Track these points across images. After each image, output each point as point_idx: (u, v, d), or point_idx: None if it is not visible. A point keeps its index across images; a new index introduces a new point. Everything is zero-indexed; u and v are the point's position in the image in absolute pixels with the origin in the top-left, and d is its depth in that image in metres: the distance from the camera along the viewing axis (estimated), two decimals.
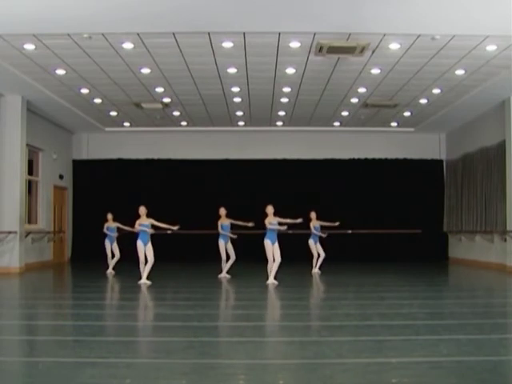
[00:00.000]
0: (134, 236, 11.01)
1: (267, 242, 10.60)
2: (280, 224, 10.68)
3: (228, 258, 12.03)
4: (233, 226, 12.20)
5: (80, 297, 9.39)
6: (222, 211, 12.15)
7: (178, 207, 16.63)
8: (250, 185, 17.04)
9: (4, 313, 7.52)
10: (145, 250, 10.69)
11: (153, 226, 10.92)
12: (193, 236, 16.17)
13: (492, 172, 14.29)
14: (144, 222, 10.76)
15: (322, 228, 12.99)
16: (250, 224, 12.02)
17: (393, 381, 4.06)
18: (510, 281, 11.70)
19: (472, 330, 5.90)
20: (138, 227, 10.73)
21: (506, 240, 13.28)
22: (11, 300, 9.16)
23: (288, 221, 10.84)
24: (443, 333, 5.75)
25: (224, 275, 11.85)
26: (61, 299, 9.31)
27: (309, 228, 12.75)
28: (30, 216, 14.83)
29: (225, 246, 11.99)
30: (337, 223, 12.91)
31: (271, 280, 10.43)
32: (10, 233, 12.86)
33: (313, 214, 12.91)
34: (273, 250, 10.55)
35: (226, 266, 11.96)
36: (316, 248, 12.87)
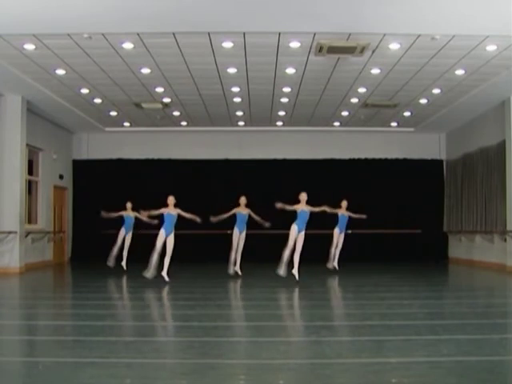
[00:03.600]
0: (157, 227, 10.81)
1: (294, 227, 10.45)
2: (312, 212, 10.66)
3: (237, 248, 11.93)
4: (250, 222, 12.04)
5: (80, 297, 9.39)
6: (243, 200, 12.00)
7: (177, 207, 16.62)
8: (250, 185, 16.99)
9: (4, 313, 7.52)
10: (165, 240, 10.48)
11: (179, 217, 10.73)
12: (193, 236, 16.15)
13: (492, 172, 14.29)
14: (172, 212, 10.58)
15: (350, 221, 13.00)
16: (267, 224, 11.87)
17: (393, 381, 4.06)
18: (510, 281, 11.70)
19: (472, 330, 5.91)
20: (155, 213, 10.56)
21: (506, 240, 13.27)
22: (11, 300, 9.16)
23: (317, 209, 10.86)
24: (443, 333, 5.75)
25: (237, 269, 11.90)
26: (61, 299, 9.31)
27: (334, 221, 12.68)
28: (30, 216, 14.82)
29: (238, 236, 11.88)
30: (364, 216, 13.01)
31: (295, 271, 10.44)
32: (10, 233, 12.86)
33: (344, 203, 12.85)
34: (296, 238, 10.43)
35: (233, 258, 11.90)
36: (338, 238, 12.85)
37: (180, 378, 4.18)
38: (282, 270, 10.47)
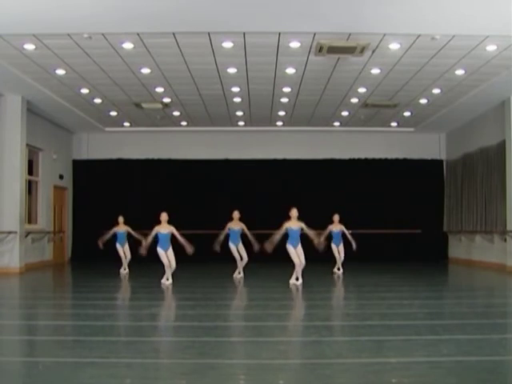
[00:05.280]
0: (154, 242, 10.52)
1: (290, 248, 10.18)
2: (302, 231, 10.23)
3: (241, 258, 11.86)
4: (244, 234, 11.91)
5: (80, 297, 9.39)
6: (236, 214, 11.86)
7: (177, 207, 16.63)
8: (250, 185, 17.03)
9: (4, 313, 7.52)
10: (167, 255, 10.32)
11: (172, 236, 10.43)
12: (193, 236, 16.13)
13: (492, 172, 14.29)
14: (164, 232, 10.32)
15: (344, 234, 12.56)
16: (256, 247, 11.45)
17: (393, 381, 4.06)
18: (510, 281, 11.70)
19: (472, 330, 5.91)
20: (149, 239, 10.25)
21: (506, 240, 13.27)
22: (11, 300, 9.16)
23: (311, 233, 10.31)
24: (443, 333, 5.75)
25: (237, 275, 11.85)
26: (61, 299, 9.31)
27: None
28: (30, 216, 14.82)
29: (236, 248, 11.80)
30: (354, 246, 12.37)
31: (300, 281, 10.25)
32: (10, 233, 12.86)
33: (336, 217, 12.51)
34: (296, 252, 10.19)
35: (239, 266, 11.87)
36: (337, 250, 12.63)
37: (180, 378, 4.18)
38: (295, 282, 10.34)
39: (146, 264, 13.71)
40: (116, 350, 5.00)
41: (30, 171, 14.92)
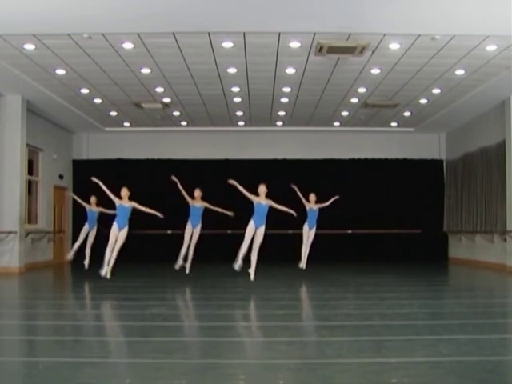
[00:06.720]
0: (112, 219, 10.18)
1: (250, 223, 9.68)
2: (271, 207, 9.65)
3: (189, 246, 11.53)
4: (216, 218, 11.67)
5: (80, 297, 9.39)
6: (197, 192, 11.68)
7: (177, 207, 16.61)
8: (250, 185, 16.92)
9: (4, 313, 7.52)
10: (118, 234, 9.78)
11: (134, 211, 9.90)
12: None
13: (492, 172, 14.29)
14: (126, 204, 9.89)
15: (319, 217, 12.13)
16: (230, 213, 11.47)
17: (393, 381, 4.06)
18: (510, 281, 11.70)
19: (472, 330, 5.90)
20: (109, 194, 9.76)
21: (506, 240, 13.27)
22: (11, 300, 9.16)
23: (283, 208, 9.92)
24: (443, 333, 5.75)
25: (187, 266, 11.49)
26: (60, 299, 9.31)
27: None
28: (30, 216, 14.82)
29: (191, 231, 11.59)
30: (337, 196, 12.27)
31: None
32: (10, 233, 12.86)
33: (312, 197, 12.20)
34: (255, 233, 9.61)
35: (188, 257, 11.55)
36: (308, 234, 12.03)
37: (180, 378, 4.18)
38: (237, 265, 9.92)
39: (141, 264, 13.69)
40: (116, 350, 5.00)
41: (30, 171, 14.92)
